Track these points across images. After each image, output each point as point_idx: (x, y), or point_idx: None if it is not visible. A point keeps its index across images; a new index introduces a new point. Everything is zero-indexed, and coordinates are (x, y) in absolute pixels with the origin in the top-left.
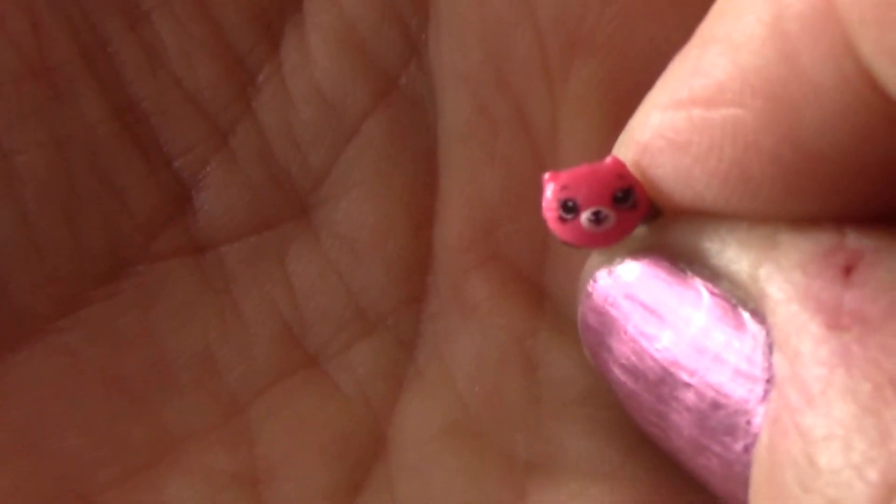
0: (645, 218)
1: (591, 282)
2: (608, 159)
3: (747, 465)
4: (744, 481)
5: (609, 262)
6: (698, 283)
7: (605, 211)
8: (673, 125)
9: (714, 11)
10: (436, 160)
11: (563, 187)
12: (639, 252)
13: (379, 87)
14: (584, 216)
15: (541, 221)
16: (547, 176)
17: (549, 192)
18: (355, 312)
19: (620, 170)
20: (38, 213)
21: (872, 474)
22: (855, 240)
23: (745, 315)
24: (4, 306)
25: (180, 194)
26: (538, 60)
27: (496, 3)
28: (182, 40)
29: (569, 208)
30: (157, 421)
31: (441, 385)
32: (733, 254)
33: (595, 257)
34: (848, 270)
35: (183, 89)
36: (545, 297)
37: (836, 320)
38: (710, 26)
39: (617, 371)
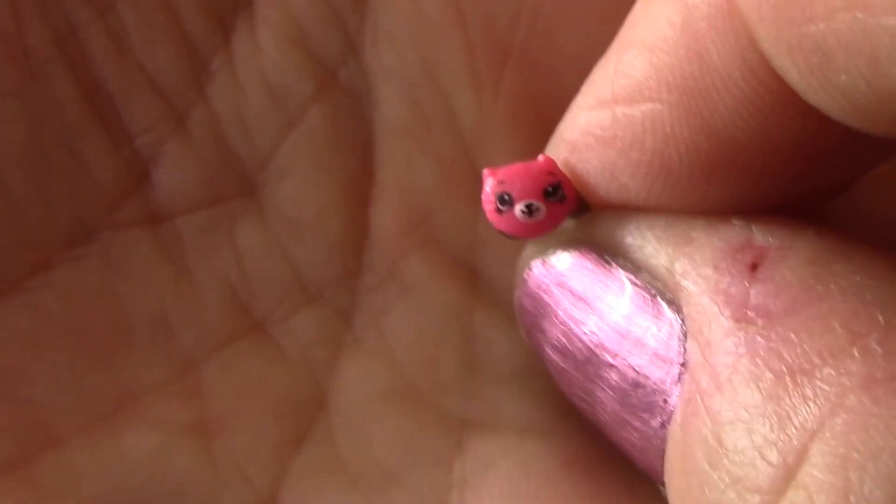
0: (573, 212)
1: (527, 270)
2: (540, 157)
3: (664, 440)
4: (661, 454)
5: (543, 252)
6: (622, 274)
7: (537, 203)
8: (598, 123)
9: (629, 19)
10: (372, 150)
11: (500, 182)
12: (569, 244)
13: (320, 80)
14: (518, 208)
15: (472, 210)
16: (486, 171)
17: (488, 186)
18: (297, 284)
19: (551, 167)
20: (12, 183)
21: (773, 455)
22: (761, 237)
23: (663, 305)
24: None
25: (140, 169)
26: (467, 66)
27: (428, 8)
28: (144, 27)
29: (504, 201)
30: (117, 375)
31: (378, 352)
32: (652, 249)
33: (530, 248)
34: (754, 267)
35: (145, 73)
36: (479, 278)
37: (742, 314)
38: (627, 32)
39: (549, 351)
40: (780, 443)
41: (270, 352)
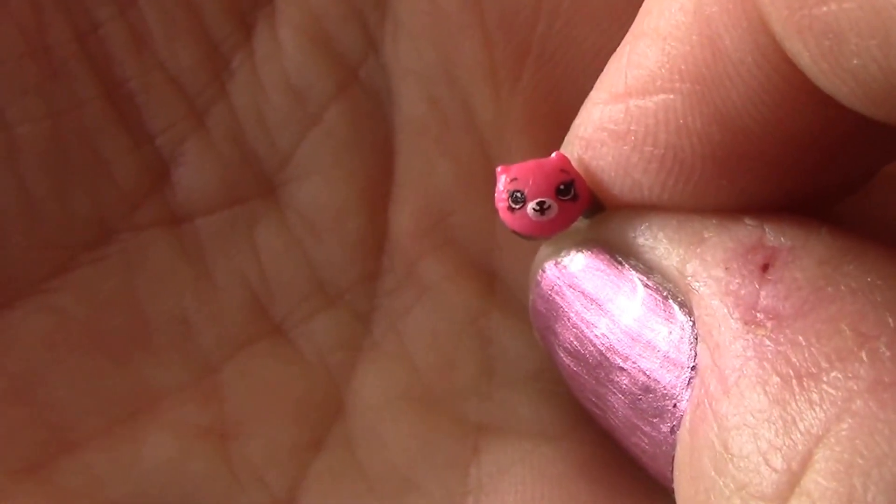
0: (587, 211)
1: (540, 272)
2: (554, 155)
3: (673, 446)
4: (670, 461)
5: (556, 253)
6: (634, 275)
7: (549, 202)
8: (612, 117)
9: (643, 8)
10: (392, 149)
11: (513, 179)
12: (582, 245)
13: (340, 79)
14: (530, 206)
15: (490, 211)
16: (499, 169)
17: (501, 183)
18: (316, 286)
19: (564, 164)
20: (33, 182)
21: (777, 461)
22: (773, 237)
23: (675, 307)
24: (1, 267)
25: (161, 169)
26: (486, 63)
27: (447, 5)
28: (166, 26)
29: (517, 199)
30: (136, 377)
31: (396, 355)
32: (664, 249)
33: (544, 249)
34: (765, 268)
35: (165, 71)
36: (496, 281)
37: (752, 316)
38: (639, 23)
39: (561, 354)
40: (784, 448)
41: (289, 355)
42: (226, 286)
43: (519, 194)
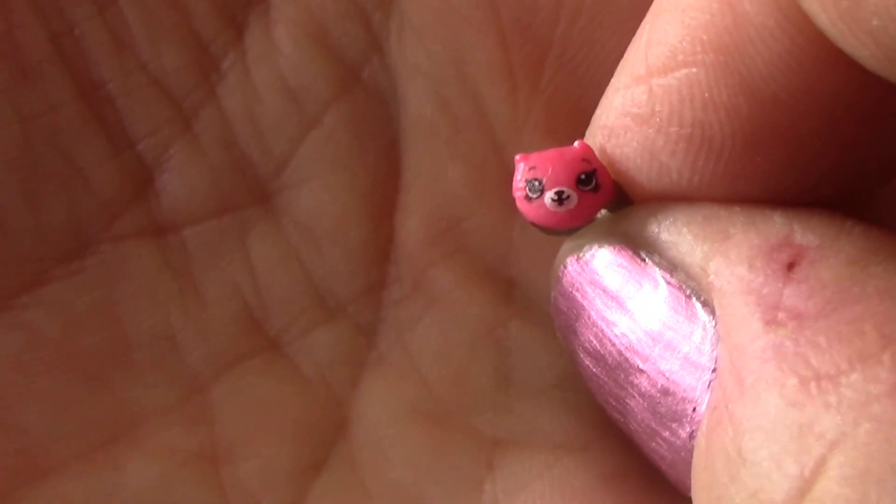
0: (612, 204)
1: (562, 268)
2: (576, 143)
3: (692, 452)
4: (687, 467)
5: (578, 248)
6: (656, 272)
7: (568, 191)
8: (635, 101)
9: None
10: (398, 153)
11: (531, 167)
12: (604, 239)
13: (341, 80)
14: (548, 196)
15: (506, 215)
16: (518, 156)
17: (519, 172)
18: (315, 298)
19: (586, 153)
20: (2, 190)
21: (791, 466)
22: (801, 235)
23: (698, 306)
24: None
25: (143, 176)
26: (501, 63)
27: (458, 2)
28: (148, 24)
29: (535, 188)
30: (117, 399)
31: (404, 369)
32: (688, 246)
33: (567, 244)
34: (791, 266)
35: (148, 73)
36: (513, 287)
37: (773, 316)
38: (658, 1)
39: (582, 354)
40: (798, 453)
41: (286, 371)
42: (215, 300)
43: (537, 183)
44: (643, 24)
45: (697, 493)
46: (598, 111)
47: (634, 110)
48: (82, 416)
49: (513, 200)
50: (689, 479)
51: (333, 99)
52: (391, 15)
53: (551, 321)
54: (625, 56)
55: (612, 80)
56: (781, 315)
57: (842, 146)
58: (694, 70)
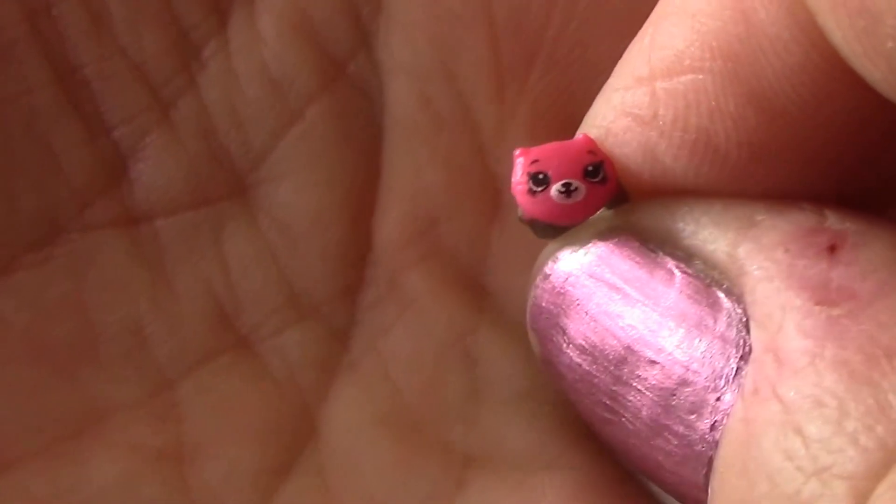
0: (612, 201)
1: (550, 262)
2: (579, 136)
3: (711, 444)
4: (702, 462)
5: (573, 242)
6: (670, 263)
7: (576, 183)
8: (636, 102)
9: None
10: (380, 151)
11: (534, 161)
12: (605, 233)
13: (326, 74)
14: (555, 188)
15: (484, 220)
16: (517, 151)
17: (520, 166)
18: (289, 298)
19: (591, 146)
20: None
21: (868, 440)
22: (837, 222)
23: (720, 294)
24: None
25: (118, 164)
26: (489, 63)
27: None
28: (129, 8)
29: (539, 181)
30: (82, 392)
31: (376, 376)
32: (709, 233)
33: (557, 241)
34: (832, 250)
35: (127, 58)
36: (486, 294)
37: (823, 296)
38: (663, 4)
39: (571, 353)
40: (878, 427)
41: (255, 371)
42: (186, 294)
43: (541, 176)
44: (646, 25)
45: (729, 481)
46: (594, 110)
47: (636, 111)
48: (47, 409)
49: (493, 204)
50: (703, 473)
51: (317, 93)
52: (381, 9)
53: (521, 328)
54: (624, 57)
55: (610, 81)
56: (833, 295)
57: (849, 166)
58: (701, 76)
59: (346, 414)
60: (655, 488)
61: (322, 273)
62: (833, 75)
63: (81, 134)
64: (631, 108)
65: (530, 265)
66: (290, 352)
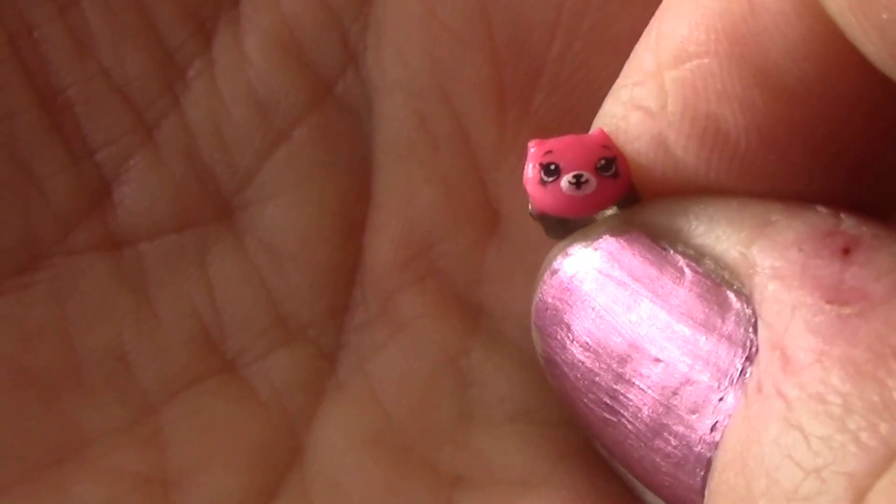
0: (623, 200)
1: (560, 257)
2: (594, 131)
3: (710, 445)
4: (700, 464)
5: (584, 238)
6: (680, 260)
7: (587, 175)
8: (645, 95)
9: None
10: (370, 170)
11: (547, 152)
12: (616, 230)
13: (313, 92)
14: (565, 179)
15: (479, 241)
16: (532, 142)
17: (532, 157)
18: (276, 320)
19: (606, 140)
20: None
21: (869, 438)
22: (853, 226)
23: (730, 294)
24: None
25: (101, 187)
26: (490, 83)
27: (447, 18)
28: (112, 29)
29: (551, 171)
30: (65, 418)
31: (364, 398)
32: (721, 232)
33: (567, 238)
34: (846, 252)
35: (110, 80)
36: (481, 316)
37: (835, 295)
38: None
39: (574, 350)
40: (882, 424)
41: (241, 395)
42: (171, 318)
43: (553, 166)
44: (651, 22)
45: (728, 481)
46: (604, 108)
47: (645, 104)
48: (28, 436)
49: (490, 226)
50: (693, 479)
51: (304, 113)
52: (368, 27)
53: (517, 349)
54: (632, 55)
55: (618, 81)
56: (845, 295)
57: (860, 150)
58: (706, 61)
59: (333, 437)
60: None
61: (309, 295)
62: (835, 49)
63: (64, 157)
64: (641, 101)
65: (527, 287)
66: (276, 374)
